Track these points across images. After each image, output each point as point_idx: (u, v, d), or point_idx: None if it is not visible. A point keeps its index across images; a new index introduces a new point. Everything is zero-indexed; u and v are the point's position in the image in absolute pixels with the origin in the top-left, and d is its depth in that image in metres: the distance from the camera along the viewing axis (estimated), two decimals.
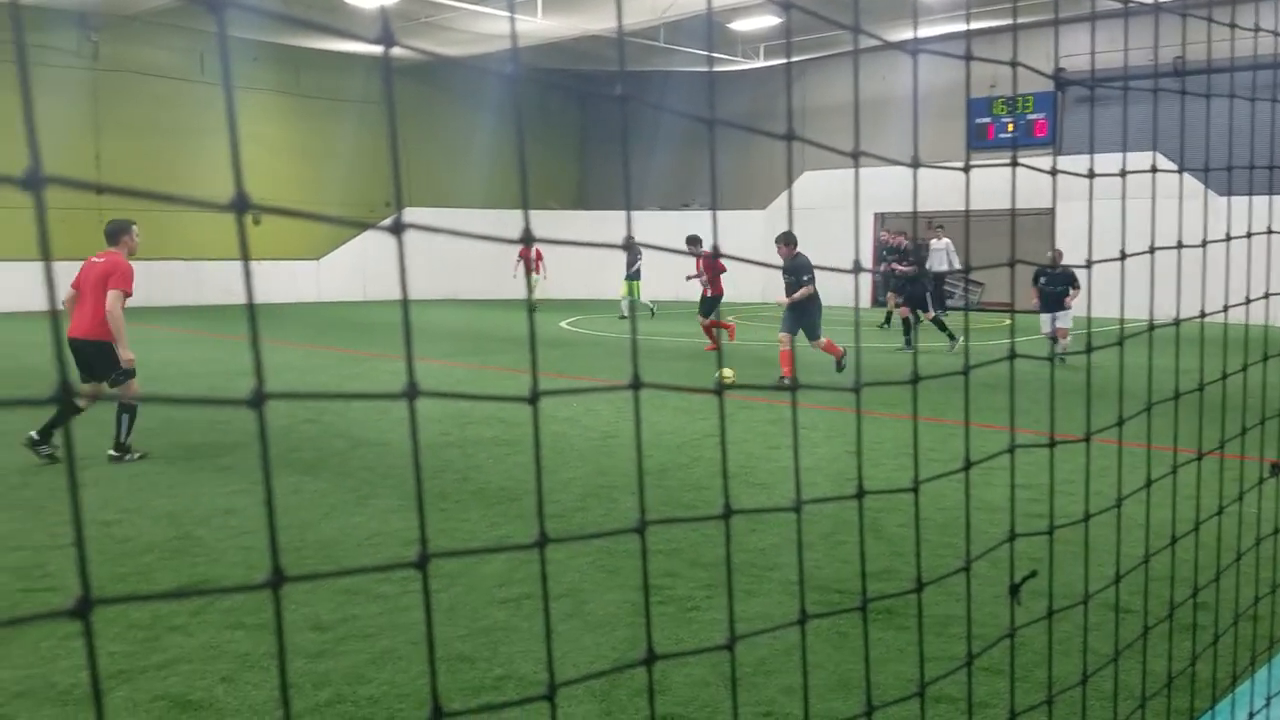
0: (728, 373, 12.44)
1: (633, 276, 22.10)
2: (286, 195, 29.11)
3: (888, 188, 23.67)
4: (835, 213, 25.73)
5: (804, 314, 11.57)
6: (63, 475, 7.19)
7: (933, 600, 4.68)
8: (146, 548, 5.56)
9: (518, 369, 13.69)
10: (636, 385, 1.16)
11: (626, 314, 22.62)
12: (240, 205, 0.85)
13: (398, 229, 0.98)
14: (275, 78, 29.84)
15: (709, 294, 15.47)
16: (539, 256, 14.35)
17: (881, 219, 27.47)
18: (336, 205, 30.19)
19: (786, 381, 11.11)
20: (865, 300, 28.17)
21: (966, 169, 1.84)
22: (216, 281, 27.40)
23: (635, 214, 32.81)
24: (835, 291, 27.34)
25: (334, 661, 4.07)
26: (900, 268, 17.71)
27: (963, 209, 1.66)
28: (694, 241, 16.76)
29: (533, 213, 32.75)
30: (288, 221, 25.76)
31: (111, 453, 7.75)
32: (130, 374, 7.74)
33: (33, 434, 7.65)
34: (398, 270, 0.89)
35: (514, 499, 6.68)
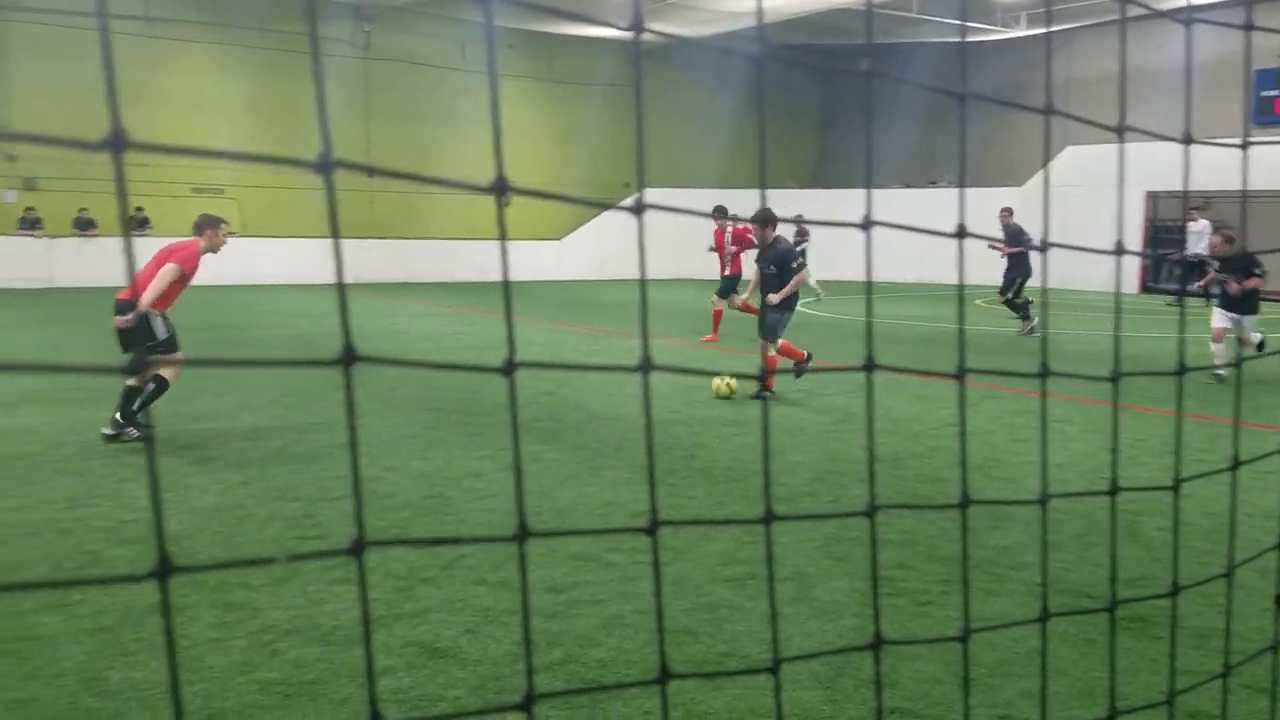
0: (724, 382, 9.75)
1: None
2: (533, 177, 30.40)
3: (1156, 164, 21.93)
4: (1098, 192, 24.10)
5: (787, 310, 9.69)
6: (330, 432, 7.87)
7: (1193, 610, 4.33)
8: (404, 504, 6.00)
9: (743, 349, 13.73)
10: (870, 368, 1.15)
11: (821, 295, 22.01)
12: (500, 188, 0.90)
13: (638, 209, 1.01)
14: (529, 64, 31.16)
15: (727, 273, 14.31)
16: (744, 236, 14.02)
17: (1154, 198, 25.49)
18: (578, 187, 31.24)
19: (768, 396, 8.67)
20: (1132, 285, 26.23)
21: (1244, 146, 1.68)
22: (470, 260, 28.99)
23: (877, 192, 31.98)
24: (1095, 276, 25.68)
25: (566, 623, 4.25)
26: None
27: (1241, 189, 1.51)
28: (720, 212, 14.89)
29: (770, 192, 32.58)
30: (533, 203, 26.88)
31: (107, 431, 7.37)
32: (172, 344, 7.42)
33: (117, 416, 7.36)
34: (636, 249, 0.93)
35: (739, 479, 6.71)
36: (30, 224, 24.11)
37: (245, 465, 6.86)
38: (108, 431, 7.34)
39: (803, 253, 21.15)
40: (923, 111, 30.86)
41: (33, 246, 23.57)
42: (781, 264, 9.63)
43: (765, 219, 9.43)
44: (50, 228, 24.12)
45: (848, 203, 30.18)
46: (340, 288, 0.83)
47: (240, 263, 24.47)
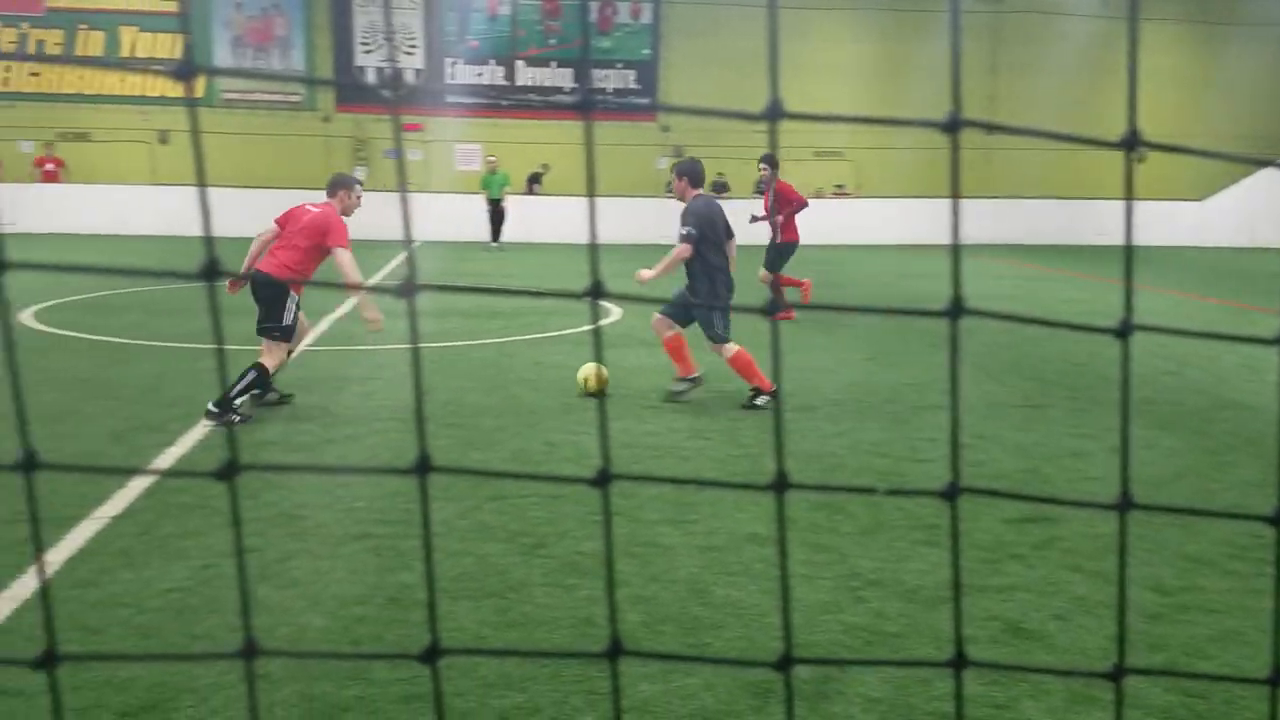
0: (589, 376, 7.49)
1: None
2: (1173, 130, 27.26)
3: None
4: None
5: (693, 292, 7.27)
6: (921, 393, 7.89)
7: None
8: (996, 474, 5.84)
9: None
10: None
11: None
12: (1130, 143, 0.82)
13: None
14: (1180, 7, 27.93)
15: (779, 241, 11.39)
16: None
17: None
18: (1227, 140, 27.40)
19: (686, 384, 7.44)
20: None
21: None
22: (1091, 221, 26.99)
23: None
24: None
25: (1171, 628, 3.84)
26: None
27: None
28: (769, 162, 11.58)
29: None
30: (1171, 159, 24.16)
31: (210, 408, 6.52)
32: (287, 334, 6.87)
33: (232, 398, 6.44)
34: None
35: None
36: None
37: (839, 418, 7.17)
38: (211, 409, 6.53)
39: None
40: None
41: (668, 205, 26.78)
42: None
43: (687, 170, 7.45)
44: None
45: None
46: (954, 248, 0.82)
47: (852, 223, 25.52)
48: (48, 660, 0.94)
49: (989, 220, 26.43)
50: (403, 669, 3.41)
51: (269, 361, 6.76)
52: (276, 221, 7.05)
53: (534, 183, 24.99)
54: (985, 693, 3.31)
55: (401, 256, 18.52)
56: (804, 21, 26.74)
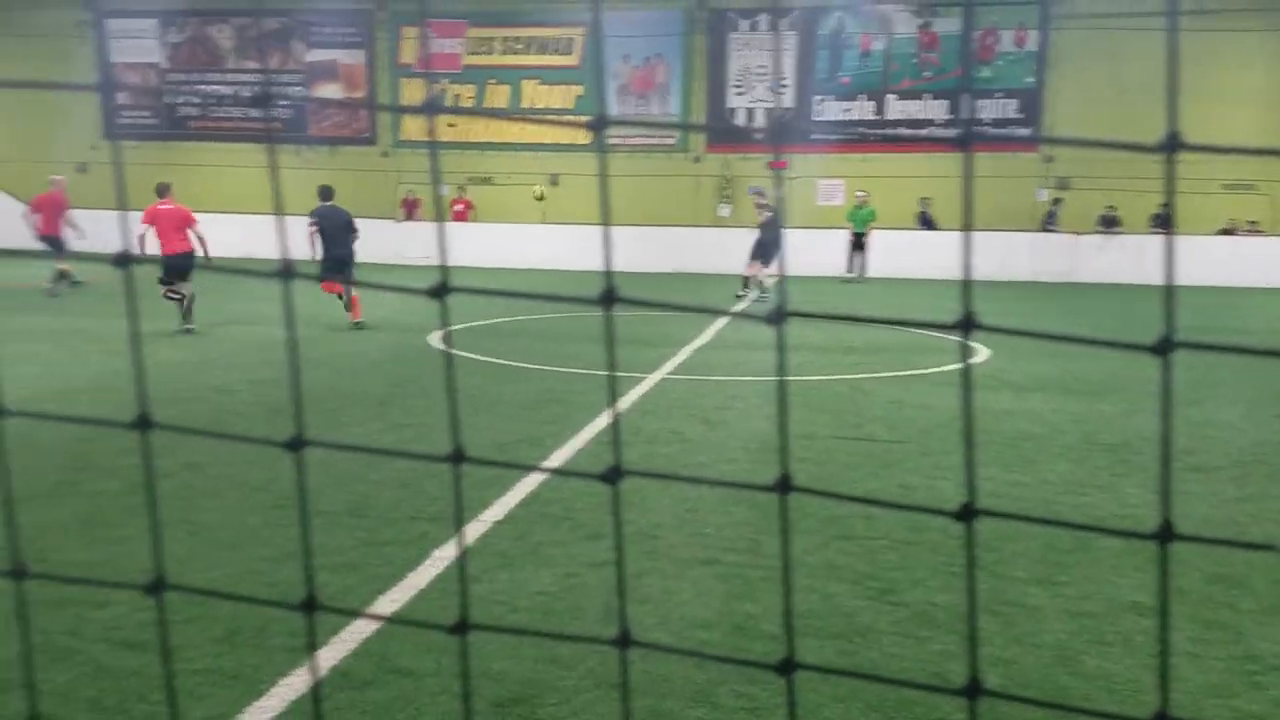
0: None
1: None
2: None
3: None
4: None
5: None
6: None
7: None
8: None
9: None
10: None
11: None
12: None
13: None
14: None
15: None
16: None
17: None
18: None
19: None
20: None
21: None
22: None
23: None
24: None
25: None
26: None
27: None
28: None
29: None
30: None
31: None
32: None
33: None
34: None
35: None
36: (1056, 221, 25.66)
37: (1245, 481, 6.33)
38: None
39: None
40: None
41: (1057, 241, 25.05)
42: None
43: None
44: (1073, 225, 25.38)
45: None
46: None
47: (1267, 263, 22.59)
48: (460, 628, 1.15)
49: None
50: (746, 696, 3.42)
51: None
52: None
53: (926, 218, 24.56)
54: None
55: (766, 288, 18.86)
56: (1208, 44, 24.22)
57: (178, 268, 11.84)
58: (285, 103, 27.50)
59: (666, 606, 4.28)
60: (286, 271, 1.13)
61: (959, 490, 5.98)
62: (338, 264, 12.67)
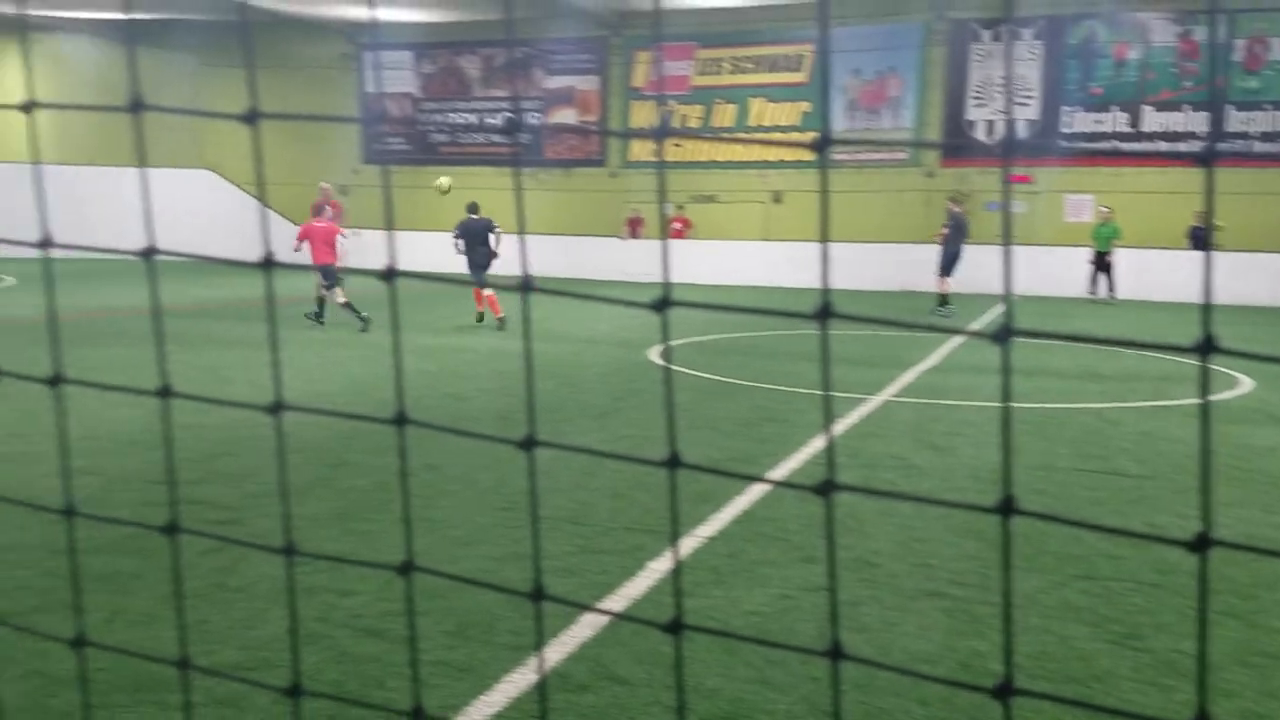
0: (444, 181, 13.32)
1: None
2: None
3: None
4: None
5: None
6: None
7: None
8: None
9: None
10: None
11: None
12: None
13: None
14: None
15: None
16: None
17: None
18: None
19: None
20: None
21: None
22: None
23: None
24: None
25: None
26: None
27: None
28: None
29: None
30: None
31: None
32: None
33: None
34: None
35: None
36: None
37: None
38: None
39: None
40: None
41: None
42: None
43: None
44: None
45: None
46: None
47: None
48: (675, 626, 1.21)
49: None
50: None
51: None
52: None
53: (1198, 237, 22.35)
54: None
55: (999, 308, 18.08)
56: None
57: (328, 274, 13.89)
58: (528, 129, 28.92)
59: (885, 638, 4.15)
60: (527, 286, 1.19)
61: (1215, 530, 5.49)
62: (478, 269, 14.48)
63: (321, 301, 14.44)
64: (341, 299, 13.90)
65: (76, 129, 28.28)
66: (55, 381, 1.50)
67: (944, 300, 17.55)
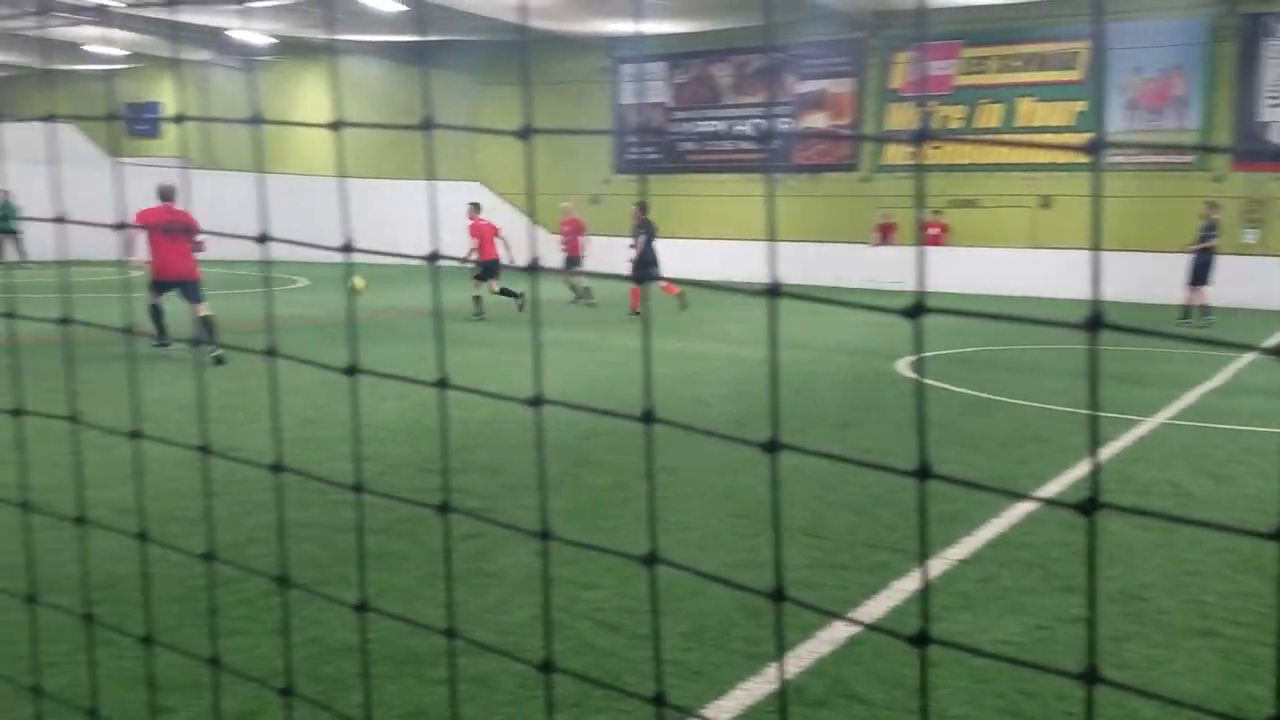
0: (359, 282, 14.29)
1: None
2: None
3: None
4: None
5: None
6: None
7: None
8: None
9: None
10: None
11: None
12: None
13: None
14: None
15: None
16: None
17: None
18: None
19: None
20: None
21: None
22: None
23: None
24: None
25: None
26: None
27: None
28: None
29: None
30: None
31: None
32: None
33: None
34: None
35: None
36: None
37: None
38: None
39: None
40: None
41: None
42: None
43: None
44: None
45: None
46: None
47: None
48: (920, 639, 1.20)
49: None
50: None
51: None
52: None
53: None
54: None
55: None
56: None
57: (492, 270, 15.98)
58: (778, 135, 28.86)
59: (1151, 676, 3.83)
60: (774, 291, 1.18)
61: None
62: (645, 266, 16.05)
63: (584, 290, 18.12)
64: (496, 288, 16.39)
65: (359, 143, 30.84)
66: (351, 371, 1.64)
67: (1204, 311, 16.19)
